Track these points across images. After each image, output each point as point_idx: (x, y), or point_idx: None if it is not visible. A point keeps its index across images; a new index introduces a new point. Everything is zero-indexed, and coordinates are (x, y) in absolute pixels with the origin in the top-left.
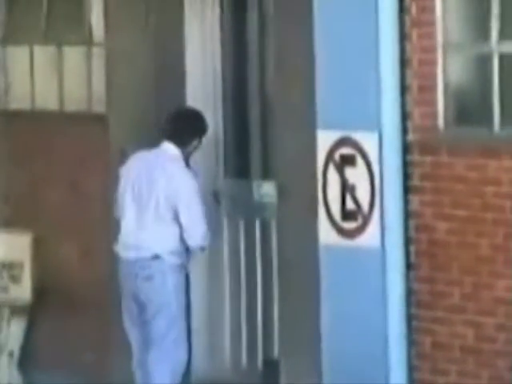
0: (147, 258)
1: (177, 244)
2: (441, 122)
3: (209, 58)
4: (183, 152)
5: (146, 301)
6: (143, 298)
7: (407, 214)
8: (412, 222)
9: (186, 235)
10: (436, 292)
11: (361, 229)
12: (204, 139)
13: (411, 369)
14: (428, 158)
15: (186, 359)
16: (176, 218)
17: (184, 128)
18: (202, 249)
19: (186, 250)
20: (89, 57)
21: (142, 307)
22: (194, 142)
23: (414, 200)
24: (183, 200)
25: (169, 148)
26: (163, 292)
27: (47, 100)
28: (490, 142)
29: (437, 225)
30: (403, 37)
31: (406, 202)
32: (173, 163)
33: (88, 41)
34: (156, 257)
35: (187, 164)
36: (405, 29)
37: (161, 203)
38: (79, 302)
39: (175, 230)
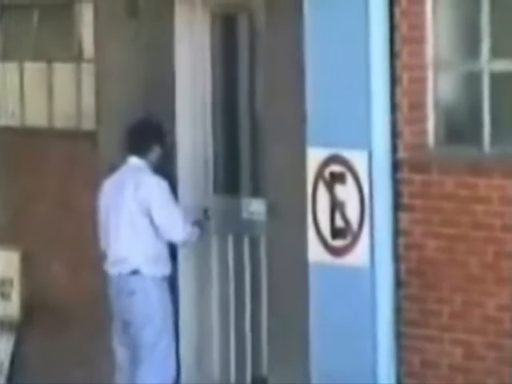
0: (128, 274)
1: (156, 252)
2: (431, 140)
3: (199, 74)
4: (147, 161)
5: (130, 317)
6: (127, 314)
7: (397, 232)
8: (401, 240)
9: (165, 234)
10: (425, 310)
11: (350, 246)
12: (193, 155)
13: None
14: (418, 176)
15: (175, 374)
16: (152, 223)
17: (139, 138)
18: (186, 242)
19: (169, 258)
20: (78, 73)
21: (126, 323)
22: (155, 149)
23: (404, 218)
24: (155, 201)
25: (132, 161)
26: (146, 307)
27: (37, 116)
28: (480, 160)
29: (426, 243)
30: (393, 54)
31: (396, 220)
32: (138, 172)
33: (78, 57)
34: (136, 272)
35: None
36: (395, 46)
37: (134, 212)
38: (68, 319)
39: (152, 237)
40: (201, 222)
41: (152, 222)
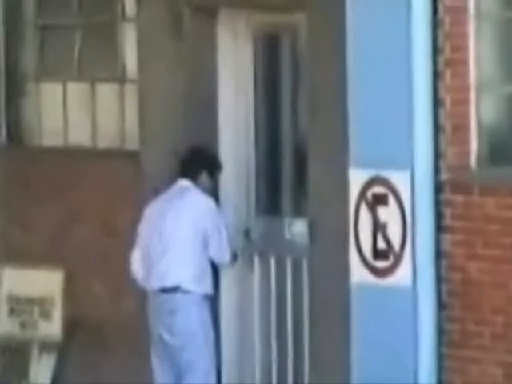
0: (170, 290)
1: (200, 269)
2: (473, 161)
3: (241, 95)
4: (196, 185)
5: (171, 336)
6: (168, 334)
7: (439, 254)
8: (443, 262)
9: (213, 255)
10: (467, 331)
11: (392, 268)
12: (235, 175)
13: None
14: (460, 198)
15: None
16: (200, 242)
17: (190, 164)
18: (230, 264)
19: (212, 278)
20: (122, 93)
21: (167, 343)
22: (202, 177)
23: (446, 239)
24: (207, 221)
25: (182, 183)
26: (187, 326)
27: (80, 136)
28: None
29: (468, 264)
30: (436, 76)
31: (438, 242)
32: (187, 192)
33: (121, 78)
34: (178, 289)
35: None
36: (438, 68)
37: (183, 230)
38: (109, 339)
39: (198, 255)
40: (245, 243)
41: (201, 239)
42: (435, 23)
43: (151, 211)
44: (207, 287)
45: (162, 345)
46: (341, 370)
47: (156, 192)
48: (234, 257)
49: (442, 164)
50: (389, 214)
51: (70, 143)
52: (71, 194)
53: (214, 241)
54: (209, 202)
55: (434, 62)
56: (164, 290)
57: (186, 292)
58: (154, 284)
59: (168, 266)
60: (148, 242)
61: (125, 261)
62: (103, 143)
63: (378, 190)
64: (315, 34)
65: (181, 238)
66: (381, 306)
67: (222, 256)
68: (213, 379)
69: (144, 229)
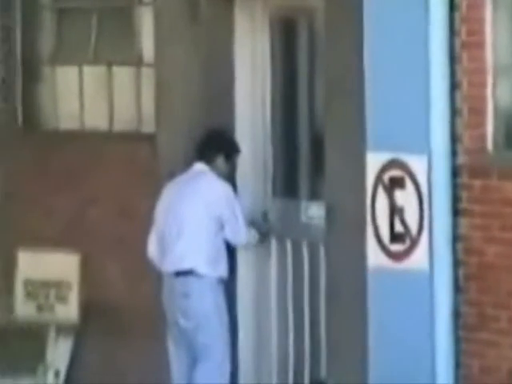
0: (184, 273)
1: (214, 252)
2: (490, 144)
3: (258, 78)
4: (212, 169)
5: (185, 319)
6: (182, 317)
7: (456, 237)
8: (460, 245)
9: (229, 237)
10: (484, 315)
11: (409, 251)
12: (252, 158)
13: None
14: (477, 181)
15: (229, 378)
16: (215, 225)
17: (206, 146)
18: (247, 245)
19: (227, 261)
20: (138, 77)
21: (181, 326)
22: (219, 161)
23: (463, 223)
24: (222, 204)
25: (198, 166)
26: (202, 309)
27: (96, 120)
28: None
29: (485, 248)
30: (453, 59)
31: (455, 225)
32: (203, 176)
33: (138, 61)
34: (192, 272)
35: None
36: (455, 51)
37: (199, 213)
38: (126, 322)
39: (213, 239)
40: (258, 224)
41: (216, 223)
42: (452, 7)
43: (167, 194)
44: (222, 271)
45: (177, 328)
46: (357, 353)
47: (172, 175)
48: (264, 235)
49: (458, 147)
50: (406, 197)
51: (87, 127)
52: (87, 177)
53: (230, 224)
54: (224, 186)
55: (451, 46)
56: (178, 274)
57: (200, 275)
58: (168, 267)
59: (182, 249)
60: (163, 225)
61: (141, 244)
62: (119, 126)
63: (394, 173)
64: (332, 18)
65: (196, 221)
66: (397, 289)
67: (239, 239)
68: (227, 365)
69: (160, 212)
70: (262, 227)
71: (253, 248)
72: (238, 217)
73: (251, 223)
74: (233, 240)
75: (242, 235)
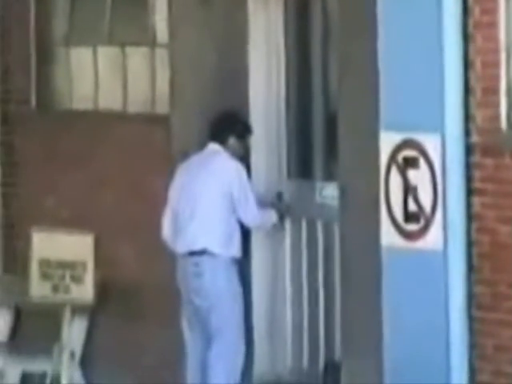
0: (197, 253)
1: (228, 232)
2: (503, 124)
3: (272, 59)
4: (226, 149)
5: (198, 299)
6: (195, 297)
7: (469, 217)
8: (474, 225)
9: (240, 217)
10: (497, 294)
11: (423, 231)
12: (267, 139)
13: (473, 371)
14: (490, 161)
15: (243, 357)
16: (228, 205)
17: (219, 127)
18: (260, 227)
19: (241, 241)
20: (152, 58)
21: (196, 306)
22: (231, 141)
23: (476, 202)
24: (234, 184)
25: (212, 146)
26: (214, 289)
27: (110, 100)
28: None
29: (498, 227)
30: (466, 39)
31: (468, 205)
32: (217, 156)
33: (152, 42)
34: (205, 251)
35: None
36: (468, 31)
37: (212, 193)
38: (141, 303)
39: (226, 218)
40: (277, 205)
41: (229, 203)
42: None
43: (181, 175)
44: (235, 251)
45: (192, 308)
46: (372, 334)
47: (186, 156)
48: (281, 216)
49: (472, 127)
50: (419, 177)
51: (101, 107)
52: (101, 158)
53: (241, 205)
54: (237, 165)
55: (464, 25)
56: (192, 253)
57: (214, 255)
58: (182, 247)
59: (196, 229)
60: (177, 205)
61: (155, 224)
62: (133, 107)
63: (408, 153)
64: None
65: (209, 201)
66: (412, 268)
67: (250, 219)
68: (242, 346)
69: (174, 193)
70: (280, 208)
71: (267, 230)
72: (248, 198)
73: (270, 204)
74: (245, 220)
75: (252, 216)
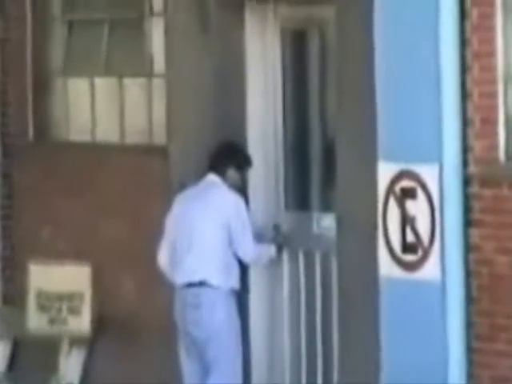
0: (195, 284)
1: (226, 263)
2: (502, 154)
3: (270, 88)
4: (224, 180)
5: (197, 330)
6: (193, 328)
7: (467, 248)
8: (472, 256)
9: (237, 251)
10: (496, 325)
11: (421, 261)
12: (264, 170)
13: None
14: (488, 191)
15: None
16: (226, 237)
17: (218, 158)
18: (256, 263)
19: (239, 273)
20: (149, 88)
21: (193, 338)
22: (230, 172)
23: (475, 233)
24: (232, 218)
25: (210, 177)
26: (213, 321)
27: (108, 131)
28: None
29: (497, 258)
30: (464, 69)
31: (467, 236)
32: (215, 187)
33: (149, 72)
34: (204, 283)
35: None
36: (466, 61)
37: (210, 225)
38: (138, 334)
39: (224, 250)
40: (274, 238)
41: (227, 235)
42: (463, 16)
43: (178, 206)
44: (234, 282)
45: (189, 339)
46: (370, 364)
47: (183, 187)
48: (279, 249)
49: (470, 157)
50: (417, 207)
51: (98, 138)
52: (99, 189)
53: (237, 237)
54: (236, 198)
55: (462, 55)
56: (190, 285)
57: (212, 287)
58: (180, 279)
59: (194, 260)
60: (175, 236)
61: (153, 255)
62: (131, 138)
63: (406, 183)
64: (343, 28)
65: (207, 233)
66: (410, 299)
67: (246, 253)
68: (239, 378)
69: (171, 223)
70: (277, 240)
71: (264, 266)
72: (246, 232)
73: (267, 238)
74: (240, 254)
75: (248, 250)
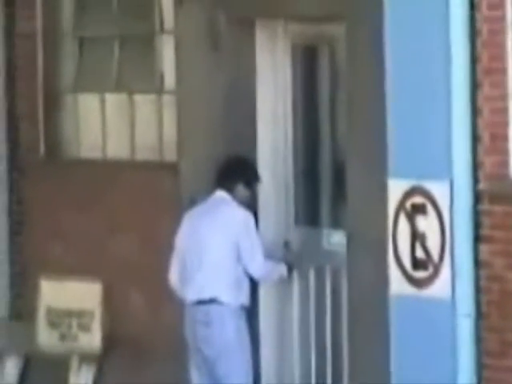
0: (206, 302)
1: (236, 279)
2: None
3: (280, 105)
4: (233, 197)
5: (207, 348)
6: (204, 345)
7: (477, 264)
8: (482, 272)
9: (246, 267)
10: (506, 341)
11: (431, 278)
12: (274, 187)
13: None
14: (499, 208)
15: None
16: (236, 253)
17: (227, 174)
18: (265, 279)
19: (249, 289)
20: (160, 105)
21: (204, 355)
22: (239, 188)
23: (485, 250)
24: (242, 234)
25: (219, 194)
26: (223, 338)
27: (118, 148)
28: None
29: (507, 275)
30: (475, 85)
31: (477, 252)
32: (224, 204)
33: (159, 89)
34: (215, 300)
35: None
36: (476, 77)
37: (219, 242)
38: (149, 351)
39: (234, 266)
40: (284, 255)
41: (236, 251)
42: (473, 33)
43: (188, 223)
44: (244, 299)
45: (200, 356)
46: (380, 381)
47: (193, 203)
48: (290, 269)
49: (480, 174)
50: (427, 224)
51: (109, 155)
52: (110, 205)
53: (247, 254)
54: (245, 215)
55: (472, 72)
56: (200, 302)
57: (222, 304)
58: (190, 296)
59: (204, 278)
60: (185, 253)
61: (163, 272)
62: (141, 155)
63: (416, 200)
64: (353, 45)
65: (217, 250)
66: (420, 316)
67: (255, 269)
68: None
69: (181, 240)
70: (288, 257)
71: (274, 282)
72: (255, 248)
73: (278, 256)
74: (250, 271)
75: (258, 267)
